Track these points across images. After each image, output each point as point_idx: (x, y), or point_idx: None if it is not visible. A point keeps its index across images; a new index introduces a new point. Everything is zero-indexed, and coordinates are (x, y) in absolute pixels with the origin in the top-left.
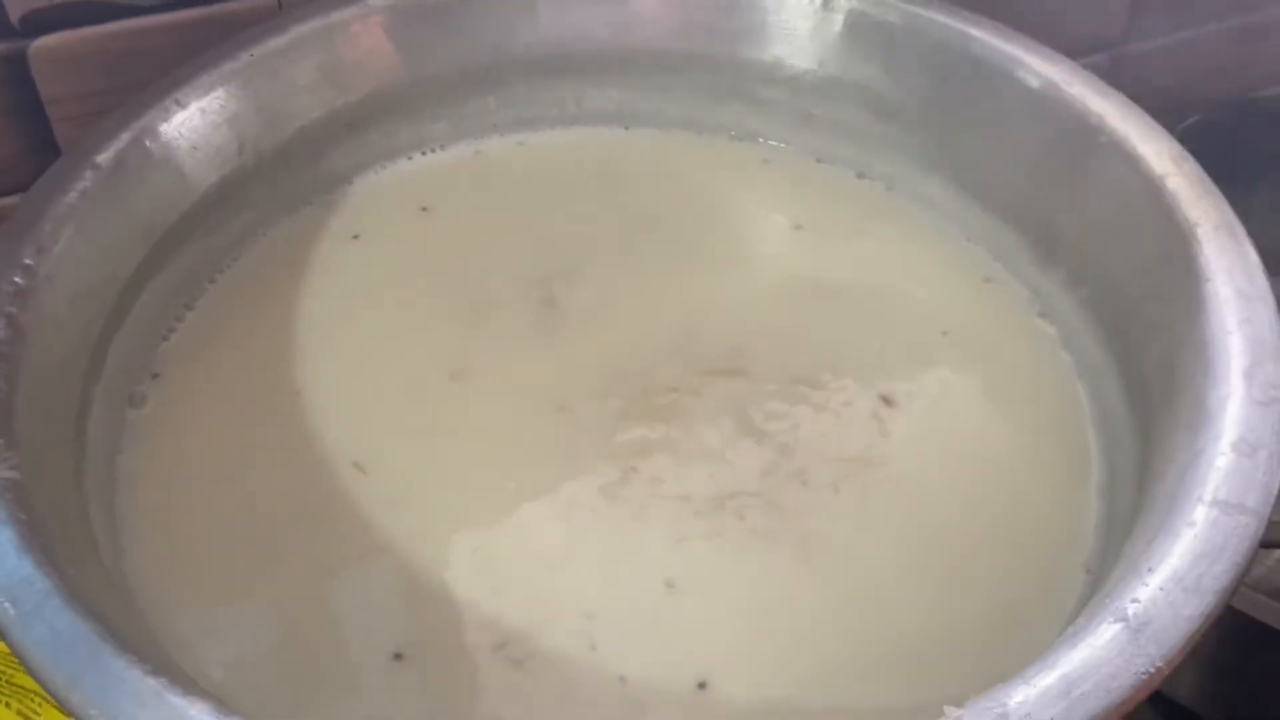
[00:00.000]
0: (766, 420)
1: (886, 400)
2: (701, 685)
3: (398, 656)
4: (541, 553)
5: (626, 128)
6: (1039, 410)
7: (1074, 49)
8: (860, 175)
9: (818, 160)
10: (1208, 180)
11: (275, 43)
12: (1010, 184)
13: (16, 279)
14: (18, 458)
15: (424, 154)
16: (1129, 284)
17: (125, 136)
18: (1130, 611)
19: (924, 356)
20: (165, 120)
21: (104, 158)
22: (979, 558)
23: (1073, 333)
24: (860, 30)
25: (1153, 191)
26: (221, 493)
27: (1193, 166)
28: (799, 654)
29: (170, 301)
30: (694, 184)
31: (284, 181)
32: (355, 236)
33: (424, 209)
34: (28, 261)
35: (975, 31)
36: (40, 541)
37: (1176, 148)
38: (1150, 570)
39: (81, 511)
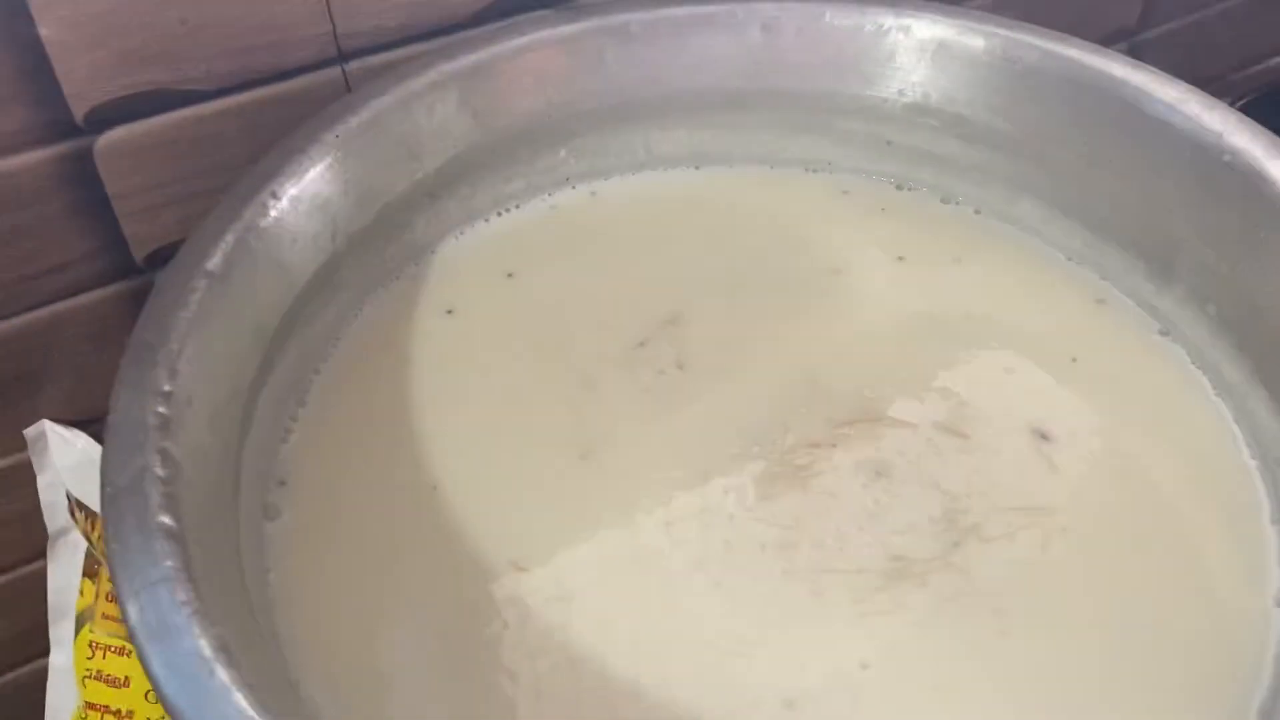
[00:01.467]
0: (921, 472)
1: (1044, 435)
2: None
3: None
4: (722, 639)
5: (697, 168)
6: (1188, 435)
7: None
8: (944, 200)
9: (898, 187)
10: None
11: (356, 120)
12: (1118, 204)
13: (160, 409)
14: (216, 612)
15: (500, 214)
16: (1270, 304)
17: (230, 238)
18: None
19: (1062, 386)
20: (264, 215)
21: (214, 263)
22: (1170, 606)
23: (1201, 351)
24: (942, 57)
25: None
26: (383, 609)
27: None
28: None
29: (284, 401)
30: (777, 220)
31: (371, 260)
32: (449, 311)
33: (510, 275)
34: (166, 388)
35: (1069, 52)
36: (263, 703)
37: None
38: None
39: (267, 651)
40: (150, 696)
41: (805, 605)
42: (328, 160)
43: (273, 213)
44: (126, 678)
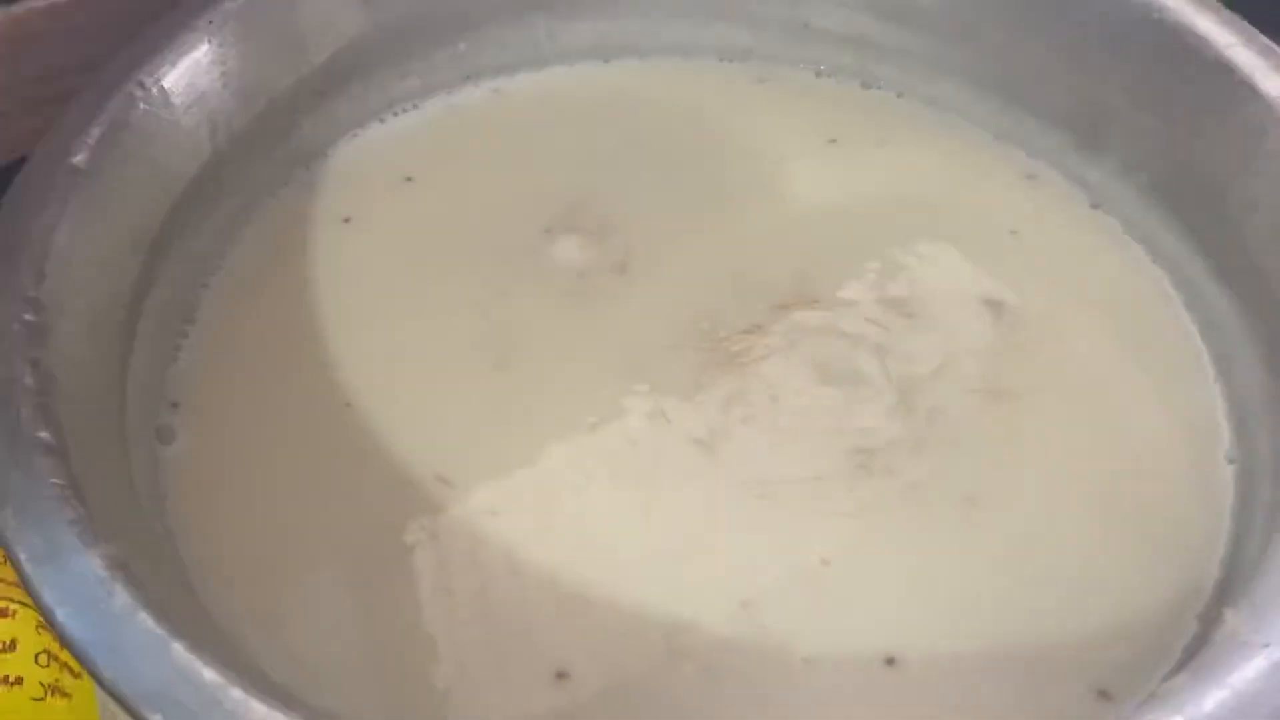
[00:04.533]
0: (870, 353)
1: (997, 306)
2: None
3: (561, 675)
4: (666, 545)
5: (606, 61)
6: (1130, 304)
7: None
8: (865, 85)
9: (817, 74)
10: (1274, 47)
11: (231, 5)
12: (1043, 75)
13: (27, 315)
14: (111, 530)
15: (396, 115)
16: (1207, 166)
17: (96, 131)
18: None
19: (1007, 258)
20: (133, 108)
21: (81, 159)
22: (1133, 475)
23: (1136, 222)
24: None
25: (1220, 66)
26: (298, 532)
27: (1256, 35)
28: (985, 617)
29: (169, 317)
30: (693, 111)
31: (258, 163)
32: (346, 220)
33: (408, 179)
34: (32, 293)
35: None
36: (174, 624)
37: (1234, 17)
38: None
39: (173, 572)
40: (42, 659)
41: (756, 505)
42: (202, 49)
43: (142, 105)
44: (13, 641)
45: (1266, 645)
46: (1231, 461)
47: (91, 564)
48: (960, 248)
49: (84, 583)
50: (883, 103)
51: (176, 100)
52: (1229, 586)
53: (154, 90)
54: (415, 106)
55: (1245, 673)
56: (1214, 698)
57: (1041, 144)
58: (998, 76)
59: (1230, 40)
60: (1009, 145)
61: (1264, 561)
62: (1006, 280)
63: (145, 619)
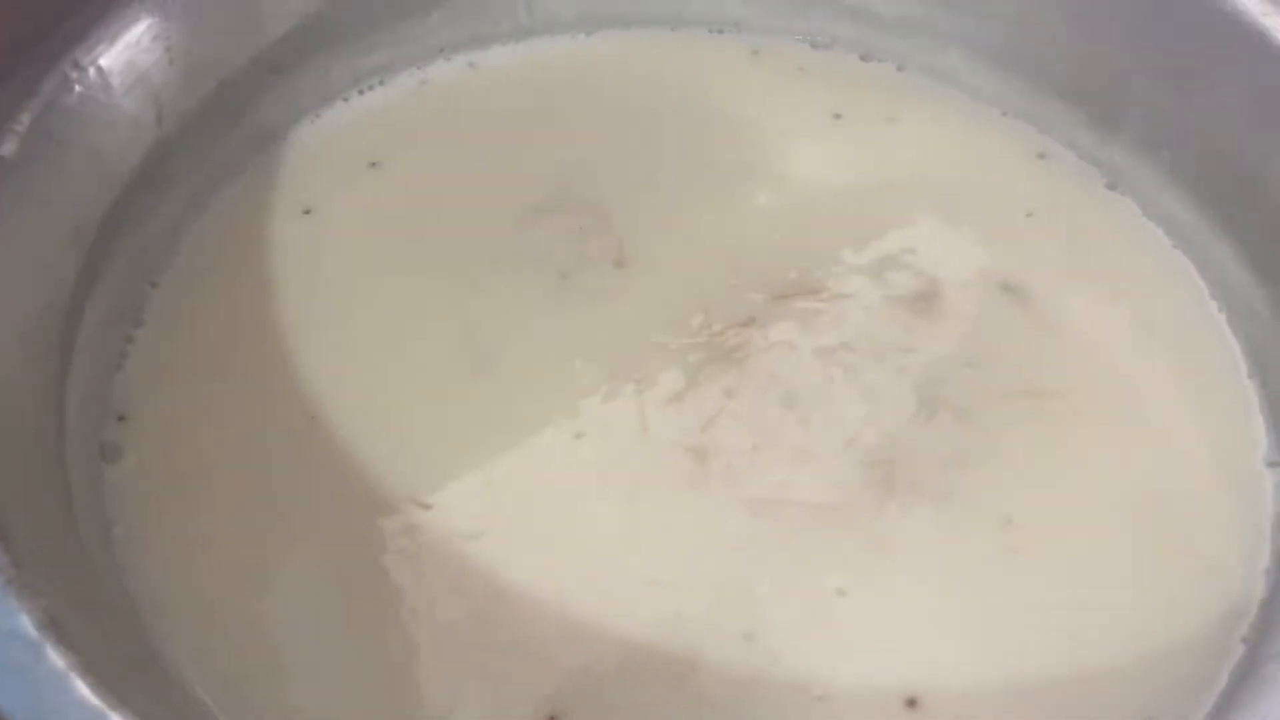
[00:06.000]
0: (884, 350)
1: (1018, 291)
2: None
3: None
4: (664, 573)
5: (588, 34)
6: (1150, 292)
7: None
8: (865, 58)
9: (813, 45)
10: None
11: None
12: (1052, 46)
13: None
14: (40, 580)
15: (361, 93)
16: (1239, 144)
17: (25, 119)
18: None
19: (1024, 240)
20: (68, 91)
21: (7, 149)
22: (1160, 482)
23: (1156, 204)
24: None
25: (1254, 33)
26: (260, 560)
27: None
28: (1018, 650)
29: (115, 320)
30: (683, 86)
31: (209, 149)
32: (306, 211)
33: (373, 164)
34: None
35: None
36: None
37: None
38: None
39: (116, 620)
40: None
41: (757, 525)
42: (144, 24)
43: (78, 87)
44: None
45: None
46: (1272, 465)
47: (18, 623)
48: (976, 231)
49: (9, 645)
50: (884, 76)
51: (116, 81)
52: (1276, 606)
53: (90, 71)
54: (382, 84)
55: None
56: None
57: (1052, 120)
58: (1004, 46)
59: (1267, 7)
60: (1018, 121)
61: None
62: (1026, 266)
63: (78, 686)
